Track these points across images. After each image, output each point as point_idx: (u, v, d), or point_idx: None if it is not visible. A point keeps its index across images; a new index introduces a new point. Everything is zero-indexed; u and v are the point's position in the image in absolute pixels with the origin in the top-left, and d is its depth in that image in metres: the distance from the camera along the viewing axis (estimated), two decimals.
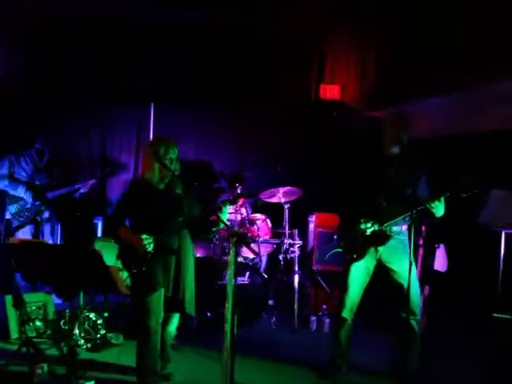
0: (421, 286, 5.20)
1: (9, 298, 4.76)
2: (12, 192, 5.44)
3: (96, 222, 6.22)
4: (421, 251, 5.20)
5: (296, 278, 5.39)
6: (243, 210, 5.96)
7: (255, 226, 5.54)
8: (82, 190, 5.72)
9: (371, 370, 4.40)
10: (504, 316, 3.81)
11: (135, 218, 3.87)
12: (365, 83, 7.40)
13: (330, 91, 7.71)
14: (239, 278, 5.32)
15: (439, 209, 3.92)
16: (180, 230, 3.89)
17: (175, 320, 4.08)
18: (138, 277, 3.77)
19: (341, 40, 7.75)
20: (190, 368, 4.40)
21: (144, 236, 3.70)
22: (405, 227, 4.21)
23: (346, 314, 4.21)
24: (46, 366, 3.74)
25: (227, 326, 3.40)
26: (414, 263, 4.15)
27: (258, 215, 5.76)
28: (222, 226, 3.93)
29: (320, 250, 5.65)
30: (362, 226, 4.04)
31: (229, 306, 3.45)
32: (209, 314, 5.20)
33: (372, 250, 4.14)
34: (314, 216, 5.89)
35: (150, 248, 3.71)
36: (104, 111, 6.55)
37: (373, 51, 7.11)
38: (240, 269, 5.34)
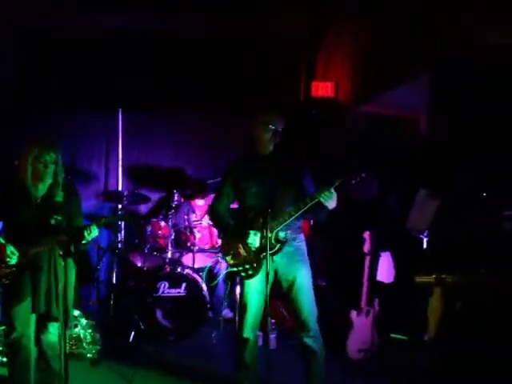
0: (370, 298, 4.71)
1: None
2: None
3: None
4: (367, 260, 4.70)
5: (237, 290, 5.02)
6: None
7: (194, 234, 5.24)
8: None
9: None
10: (400, 337, 3.31)
11: (4, 225, 3.72)
12: (356, 79, 6.97)
13: (322, 89, 7.28)
14: (175, 290, 5.05)
15: (332, 200, 3.51)
16: (52, 242, 3.60)
17: (53, 330, 3.82)
18: (3, 290, 3.63)
19: (334, 35, 7.33)
20: None
21: (10, 248, 3.52)
22: (300, 230, 3.80)
23: (248, 333, 3.82)
24: None
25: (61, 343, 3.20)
26: (308, 273, 3.78)
27: (204, 223, 5.46)
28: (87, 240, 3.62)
29: None
30: (250, 239, 3.66)
31: (60, 323, 3.25)
32: (142, 326, 5.00)
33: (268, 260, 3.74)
34: None
35: (13, 261, 3.51)
36: (73, 118, 6.42)
37: (366, 46, 6.70)
38: (176, 280, 5.08)
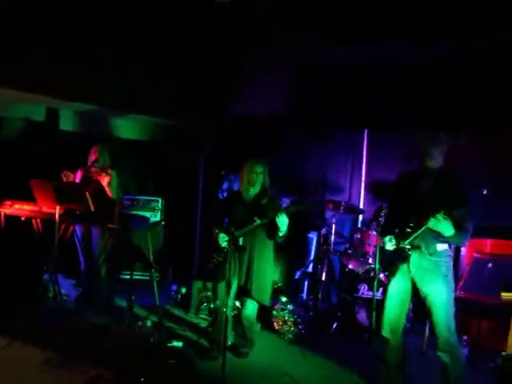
0: None
1: (196, 283, 6.20)
2: None
3: (310, 236, 7.02)
4: None
5: None
6: None
7: None
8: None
9: None
10: None
11: (221, 219, 4.91)
12: None
13: None
14: (372, 293, 5.46)
15: (441, 226, 3.70)
16: (252, 233, 4.65)
17: (251, 305, 4.80)
18: (214, 265, 4.74)
19: None
20: (270, 359, 4.88)
21: (222, 234, 4.67)
22: (442, 246, 3.94)
23: (386, 333, 4.15)
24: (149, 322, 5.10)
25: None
26: (444, 289, 3.88)
27: None
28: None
29: (470, 277, 5.28)
30: (385, 242, 4.05)
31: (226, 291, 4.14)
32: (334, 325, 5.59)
33: (405, 269, 4.04)
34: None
35: (224, 244, 4.63)
36: (327, 136, 7.25)
37: None
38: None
